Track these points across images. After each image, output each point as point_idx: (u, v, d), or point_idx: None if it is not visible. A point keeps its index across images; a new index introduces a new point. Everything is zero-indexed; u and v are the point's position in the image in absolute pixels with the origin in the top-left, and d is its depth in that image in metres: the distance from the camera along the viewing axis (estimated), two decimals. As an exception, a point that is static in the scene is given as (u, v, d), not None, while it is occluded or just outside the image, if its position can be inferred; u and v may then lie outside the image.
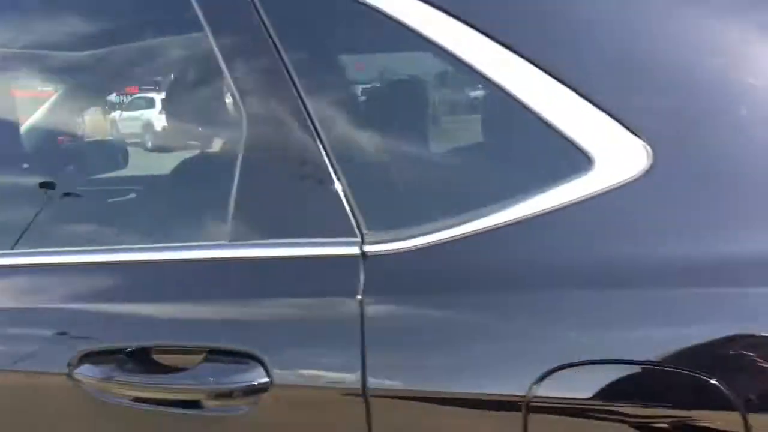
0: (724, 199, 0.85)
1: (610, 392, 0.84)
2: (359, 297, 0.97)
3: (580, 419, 0.85)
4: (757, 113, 0.86)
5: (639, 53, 0.91)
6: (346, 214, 1.02)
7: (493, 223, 0.93)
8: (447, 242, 0.95)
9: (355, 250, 1.00)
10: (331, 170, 1.03)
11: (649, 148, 0.87)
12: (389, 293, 0.98)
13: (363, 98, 1.06)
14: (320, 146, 1.04)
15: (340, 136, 1.06)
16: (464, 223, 0.95)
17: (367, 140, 1.07)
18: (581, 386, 0.85)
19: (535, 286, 0.90)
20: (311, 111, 1.05)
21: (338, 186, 1.03)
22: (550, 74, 0.91)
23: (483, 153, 1.02)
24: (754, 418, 0.77)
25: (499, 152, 1.03)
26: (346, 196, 1.03)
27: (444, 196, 1.02)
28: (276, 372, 1.00)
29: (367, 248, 1.00)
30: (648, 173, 0.86)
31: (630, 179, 0.87)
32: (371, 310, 0.96)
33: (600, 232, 0.90)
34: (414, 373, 0.94)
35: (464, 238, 0.94)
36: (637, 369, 0.83)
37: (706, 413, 0.80)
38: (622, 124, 0.88)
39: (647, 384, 0.83)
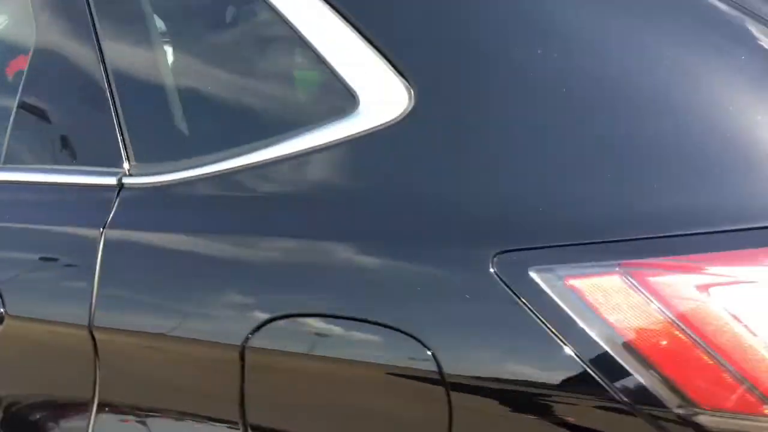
0: (476, 147, 0.77)
1: (315, 343, 0.75)
2: (101, 229, 0.88)
3: (292, 368, 0.77)
4: (521, 62, 0.78)
5: None
6: (117, 144, 0.94)
7: (253, 161, 0.85)
8: (206, 178, 0.87)
9: (112, 180, 0.92)
10: (109, 101, 0.96)
11: (411, 89, 0.79)
12: (135, 227, 0.89)
13: (155, 32, 0.98)
14: (104, 77, 0.97)
15: (124, 68, 0.98)
16: (226, 159, 0.87)
17: (145, 75, 0.99)
18: (292, 337, 0.76)
19: (279, 231, 0.81)
20: (101, 39, 0.98)
21: (113, 117, 0.95)
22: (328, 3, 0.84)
23: (255, 88, 0.94)
24: (449, 370, 0.69)
25: (272, 87, 0.95)
26: (120, 127, 0.95)
27: (212, 133, 0.94)
28: (10, 303, 0.91)
29: (127, 180, 0.92)
30: (408, 116, 0.78)
31: (390, 122, 0.79)
32: (112, 243, 0.88)
33: (354, 176, 0.82)
34: (139, 311, 0.86)
35: (222, 175, 0.86)
36: (340, 322, 0.75)
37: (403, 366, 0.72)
38: (389, 62, 0.81)
39: (347, 336, 0.75)
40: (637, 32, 0.77)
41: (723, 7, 0.78)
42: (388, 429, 0.75)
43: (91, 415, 0.88)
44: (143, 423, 0.91)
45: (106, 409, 0.88)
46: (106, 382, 0.88)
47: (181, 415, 0.87)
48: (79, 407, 0.90)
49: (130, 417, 0.91)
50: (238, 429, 0.80)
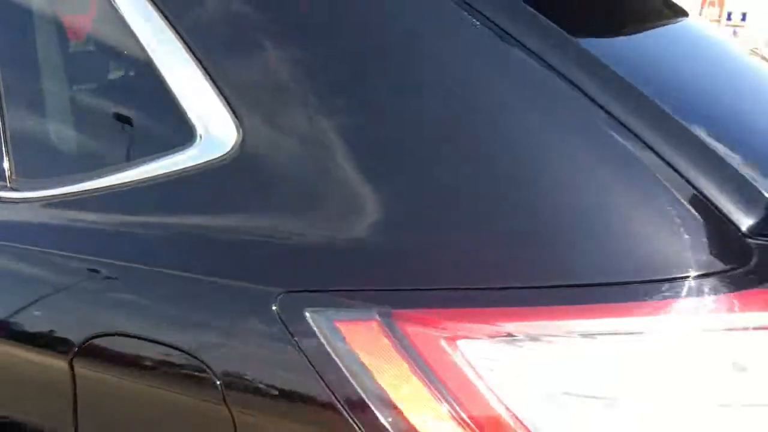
0: (281, 192, 0.82)
1: (132, 363, 0.82)
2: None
3: (115, 383, 0.84)
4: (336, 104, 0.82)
5: (248, 26, 0.87)
6: (2, 158, 1.02)
7: (101, 185, 0.92)
8: (62, 198, 0.94)
9: (-13, 191, 1.00)
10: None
11: (239, 125, 0.84)
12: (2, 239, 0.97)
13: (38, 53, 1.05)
14: None
15: (14, 85, 1.05)
16: (81, 182, 0.94)
17: (29, 95, 1.06)
18: (112, 354, 0.83)
19: (107, 252, 0.88)
20: None
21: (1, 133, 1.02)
22: (182, 40, 0.89)
23: (116, 116, 1.00)
24: (230, 395, 0.75)
25: (124, 118, 1.00)
26: (5, 143, 1.02)
27: (74, 154, 1.01)
28: None
29: (3, 193, 1.00)
30: (236, 150, 0.84)
31: (220, 156, 0.85)
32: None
33: (184, 207, 0.88)
34: None
35: (74, 195, 0.93)
36: (154, 345, 0.81)
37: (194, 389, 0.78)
38: (223, 96, 0.86)
39: (159, 360, 0.81)
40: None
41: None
42: None
43: None
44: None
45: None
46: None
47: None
48: None
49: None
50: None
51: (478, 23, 0.79)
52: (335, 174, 0.79)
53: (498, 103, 0.78)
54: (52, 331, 0.89)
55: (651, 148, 0.73)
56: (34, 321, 0.91)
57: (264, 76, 0.85)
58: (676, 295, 0.68)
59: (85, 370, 0.85)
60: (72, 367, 0.85)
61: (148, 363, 0.82)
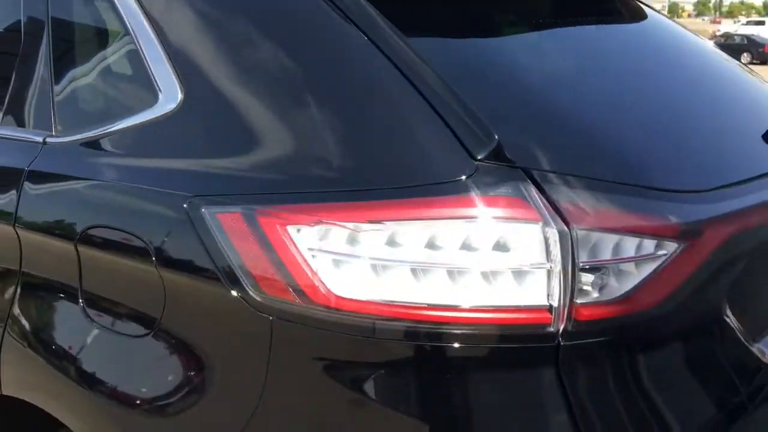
0: (209, 133, 1.23)
1: (110, 243, 1.27)
2: (27, 168, 1.43)
3: (103, 257, 1.29)
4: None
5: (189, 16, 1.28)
6: (50, 112, 1.48)
7: (110, 131, 1.36)
8: (79, 142, 1.40)
9: (39, 138, 1.47)
10: (47, 76, 1.50)
11: (182, 88, 1.25)
12: (49, 171, 1.43)
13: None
14: (44, 52, 1.51)
15: (62, 50, 1.51)
16: (91, 130, 1.39)
17: (69, 58, 1.52)
18: (106, 241, 1.28)
19: (105, 176, 1.32)
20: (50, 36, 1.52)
21: (49, 89, 1.49)
22: (152, 27, 1.31)
23: (116, 83, 1.44)
24: (159, 263, 1.19)
25: (126, 82, 1.44)
26: (51, 97, 1.49)
27: (84, 112, 1.46)
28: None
29: (50, 139, 1.47)
30: (180, 105, 1.25)
31: (171, 110, 1.27)
32: (29, 184, 1.43)
33: (150, 145, 1.30)
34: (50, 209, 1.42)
35: (85, 141, 1.38)
36: (121, 232, 1.25)
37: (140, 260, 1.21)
38: (174, 69, 1.27)
39: (124, 241, 1.24)
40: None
41: None
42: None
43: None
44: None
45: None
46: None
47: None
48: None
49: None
50: (77, 294, 1.33)
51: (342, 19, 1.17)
52: (233, 123, 1.19)
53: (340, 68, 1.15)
54: (69, 224, 1.35)
55: (429, 103, 1.07)
56: (59, 217, 1.37)
57: (198, 51, 1.26)
58: (430, 193, 1.02)
59: (84, 249, 1.30)
60: (77, 248, 1.30)
61: (118, 242, 1.26)
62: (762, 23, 51.73)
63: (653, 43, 1.71)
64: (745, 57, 31.95)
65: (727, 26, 52.92)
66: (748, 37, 34.29)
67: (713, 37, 33.23)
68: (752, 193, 1.20)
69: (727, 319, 1.21)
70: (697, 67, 1.68)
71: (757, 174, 1.25)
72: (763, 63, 32.03)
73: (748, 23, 51.74)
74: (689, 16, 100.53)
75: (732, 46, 32.21)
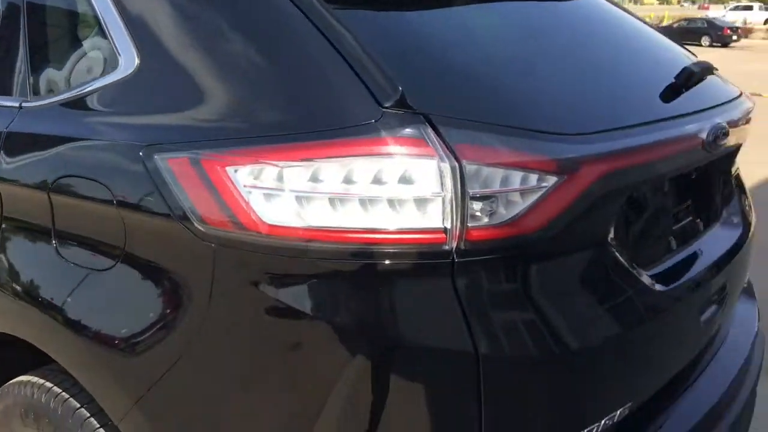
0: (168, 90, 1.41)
1: (78, 190, 1.45)
2: (5, 130, 1.62)
3: (71, 201, 1.48)
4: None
5: None
6: (26, 80, 1.66)
7: (66, 97, 1.54)
8: (51, 105, 1.58)
9: (16, 103, 1.64)
10: (23, 48, 1.68)
11: (138, 54, 1.44)
12: (24, 131, 1.61)
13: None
14: (21, 27, 1.69)
15: (36, 24, 1.69)
16: (62, 93, 1.57)
17: (42, 32, 1.70)
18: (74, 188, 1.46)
19: (75, 132, 1.51)
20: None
21: (25, 59, 1.67)
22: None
23: (82, 52, 1.63)
24: (119, 203, 1.38)
25: (93, 51, 1.62)
26: (27, 67, 1.67)
27: (62, 75, 1.64)
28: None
29: (25, 104, 1.64)
30: (137, 69, 1.44)
31: (129, 73, 1.45)
32: (8, 143, 1.61)
33: (113, 104, 1.49)
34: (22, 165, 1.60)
35: (57, 104, 1.57)
36: (84, 180, 1.43)
37: (100, 202, 1.40)
38: (131, 37, 1.45)
39: (87, 185, 1.43)
40: None
41: None
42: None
43: None
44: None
45: None
46: None
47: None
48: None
49: None
50: (51, 235, 1.51)
51: None
52: (181, 83, 1.37)
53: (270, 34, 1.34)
54: (42, 175, 1.53)
55: (347, 62, 1.26)
56: (34, 169, 1.56)
57: (150, 22, 1.45)
58: (345, 135, 1.21)
59: (56, 197, 1.49)
60: (49, 196, 1.49)
61: (84, 188, 1.44)
62: (750, 8, 52.18)
63: (568, 11, 1.90)
64: (706, 40, 32.71)
65: (716, 12, 53.32)
66: (708, 21, 34.99)
67: (675, 21, 33.80)
68: (629, 138, 1.40)
69: (612, 247, 1.42)
70: (604, 32, 1.88)
71: (636, 122, 1.45)
72: (723, 45, 32.68)
73: (736, 8, 52.25)
74: (679, 2, 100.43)
75: (692, 29, 33.15)
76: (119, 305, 1.43)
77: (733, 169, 2.11)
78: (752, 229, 2.16)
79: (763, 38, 40.43)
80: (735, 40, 33.59)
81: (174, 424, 1.39)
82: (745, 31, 38.53)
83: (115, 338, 1.41)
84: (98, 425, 1.51)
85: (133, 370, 1.39)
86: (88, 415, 1.52)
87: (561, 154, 1.27)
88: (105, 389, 1.46)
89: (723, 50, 30.42)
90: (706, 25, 33.90)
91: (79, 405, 1.54)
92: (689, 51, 2.19)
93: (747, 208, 2.16)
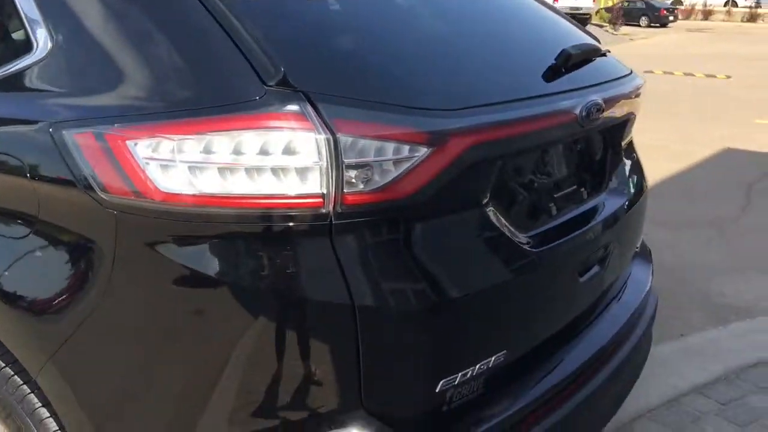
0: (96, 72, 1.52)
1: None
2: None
3: None
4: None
5: None
6: None
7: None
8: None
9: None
10: None
11: (51, 39, 1.55)
12: None
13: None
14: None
15: None
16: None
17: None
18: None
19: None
20: None
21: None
22: None
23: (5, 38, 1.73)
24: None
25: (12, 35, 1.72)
26: None
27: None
28: None
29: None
30: (50, 52, 1.55)
31: (43, 57, 1.56)
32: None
33: (31, 84, 1.59)
34: None
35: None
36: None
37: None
38: (45, 23, 1.56)
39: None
40: None
41: None
42: None
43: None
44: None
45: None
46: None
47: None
48: None
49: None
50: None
51: None
52: (87, 65, 1.49)
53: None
54: None
55: (237, 47, 1.39)
56: None
57: (63, 9, 1.56)
58: (233, 111, 1.34)
59: None
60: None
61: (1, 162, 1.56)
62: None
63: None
64: (644, 20, 33.90)
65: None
66: (646, 2, 36.16)
67: (619, 2, 34.73)
68: (497, 113, 1.56)
69: (488, 210, 1.58)
70: (492, 14, 2.04)
71: (507, 99, 1.61)
72: (662, 26, 33.78)
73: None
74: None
75: (632, 10, 34.48)
76: (34, 270, 1.55)
77: (624, 142, 2.29)
78: (642, 198, 2.35)
79: (723, 20, 41.34)
80: (672, 21, 35.24)
81: (85, 378, 1.52)
82: (699, 12, 39.40)
83: (30, 299, 1.53)
84: (21, 382, 1.63)
85: (47, 328, 1.52)
86: (12, 373, 1.64)
87: (430, 128, 1.42)
88: (23, 347, 1.58)
89: (662, 29, 31.48)
90: (644, 6, 35.09)
91: (3, 364, 1.66)
92: (590, 34, 2.36)
93: (637, 177, 2.35)
